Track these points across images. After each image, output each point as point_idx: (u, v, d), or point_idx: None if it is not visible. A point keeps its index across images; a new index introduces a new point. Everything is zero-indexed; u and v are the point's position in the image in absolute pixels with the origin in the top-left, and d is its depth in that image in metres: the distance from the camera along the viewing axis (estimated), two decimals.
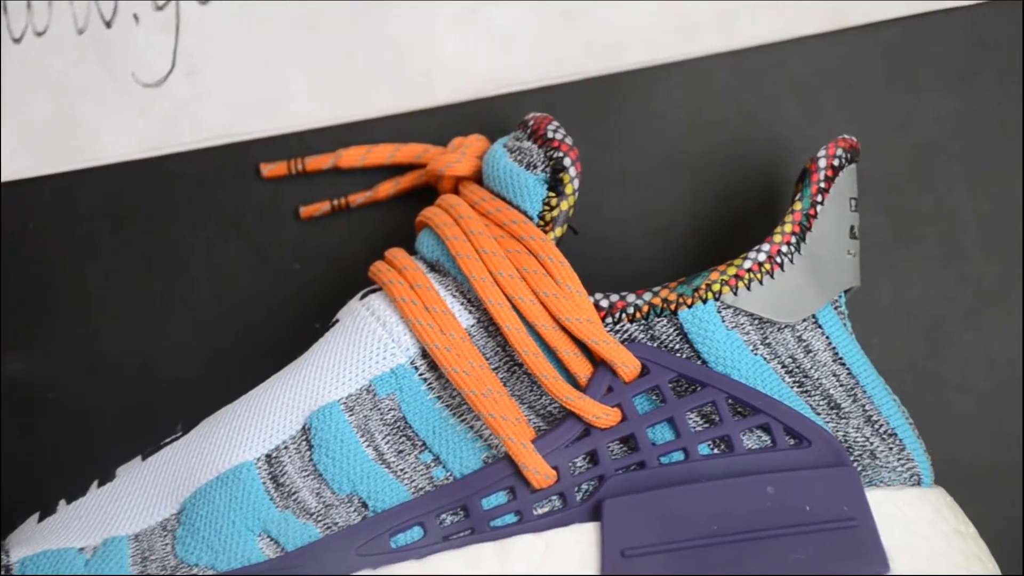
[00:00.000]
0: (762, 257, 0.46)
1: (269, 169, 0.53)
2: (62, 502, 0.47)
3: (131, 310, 0.53)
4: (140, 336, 0.53)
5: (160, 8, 0.53)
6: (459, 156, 0.49)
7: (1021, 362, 0.53)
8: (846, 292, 0.48)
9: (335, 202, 0.53)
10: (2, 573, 0.44)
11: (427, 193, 0.53)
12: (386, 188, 0.53)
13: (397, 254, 0.48)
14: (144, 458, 0.47)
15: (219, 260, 0.54)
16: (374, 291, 0.48)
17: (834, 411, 0.46)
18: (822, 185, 0.47)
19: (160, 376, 0.53)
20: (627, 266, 0.53)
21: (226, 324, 0.53)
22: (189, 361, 0.53)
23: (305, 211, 0.53)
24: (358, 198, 0.53)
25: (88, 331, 0.53)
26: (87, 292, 0.53)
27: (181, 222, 0.54)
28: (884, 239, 0.53)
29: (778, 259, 0.46)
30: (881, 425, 0.46)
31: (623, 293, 0.46)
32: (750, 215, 0.53)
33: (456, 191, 0.50)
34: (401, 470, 0.45)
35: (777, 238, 0.46)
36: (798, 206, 0.47)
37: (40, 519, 0.46)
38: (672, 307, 0.46)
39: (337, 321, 0.48)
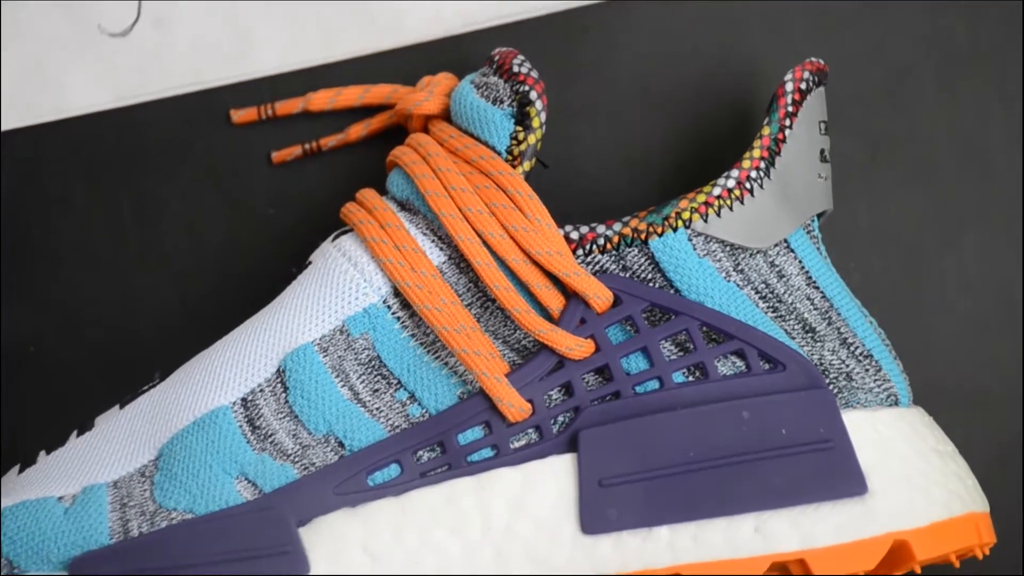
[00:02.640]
0: (731, 183, 0.46)
1: (239, 115, 0.53)
2: (42, 453, 0.47)
3: (106, 261, 0.53)
4: (116, 286, 0.53)
5: None
6: (427, 95, 0.49)
7: (999, 283, 0.53)
8: (819, 216, 0.48)
9: (307, 146, 0.53)
10: None
11: (398, 133, 0.52)
12: (357, 130, 0.53)
13: (367, 194, 0.48)
14: (122, 406, 0.47)
15: (193, 208, 0.53)
16: (346, 232, 0.48)
17: (809, 335, 0.46)
18: (790, 109, 0.47)
19: (137, 326, 0.53)
20: (600, 199, 0.53)
21: (202, 272, 0.53)
22: (166, 310, 0.53)
23: (277, 156, 0.53)
24: (330, 141, 0.53)
25: (64, 283, 0.53)
26: (61, 244, 0.53)
27: (153, 171, 0.53)
28: (859, 163, 0.53)
29: (747, 184, 0.46)
30: (856, 347, 0.46)
31: (593, 224, 0.46)
32: (723, 144, 0.53)
33: (426, 130, 0.49)
34: (377, 409, 0.45)
35: (746, 164, 0.46)
36: (766, 131, 0.46)
37: (20, 471, 0.47)
38: (643, 236, 0.46)
39: (310, 263, 0.48)
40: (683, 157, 0.53)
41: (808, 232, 0.47)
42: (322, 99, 0.52)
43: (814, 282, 0.46)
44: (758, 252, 0.46)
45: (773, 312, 0.46)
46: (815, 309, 0.46)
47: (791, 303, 0.46)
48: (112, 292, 0.53)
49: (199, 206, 0.53)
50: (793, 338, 0.46)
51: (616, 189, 0.53)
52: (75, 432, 0.47)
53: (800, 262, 0.46)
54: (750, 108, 0.53)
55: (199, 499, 0.44)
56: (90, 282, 0.53)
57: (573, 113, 0.53)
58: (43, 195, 0.53)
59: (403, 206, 0.47)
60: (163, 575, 0.43)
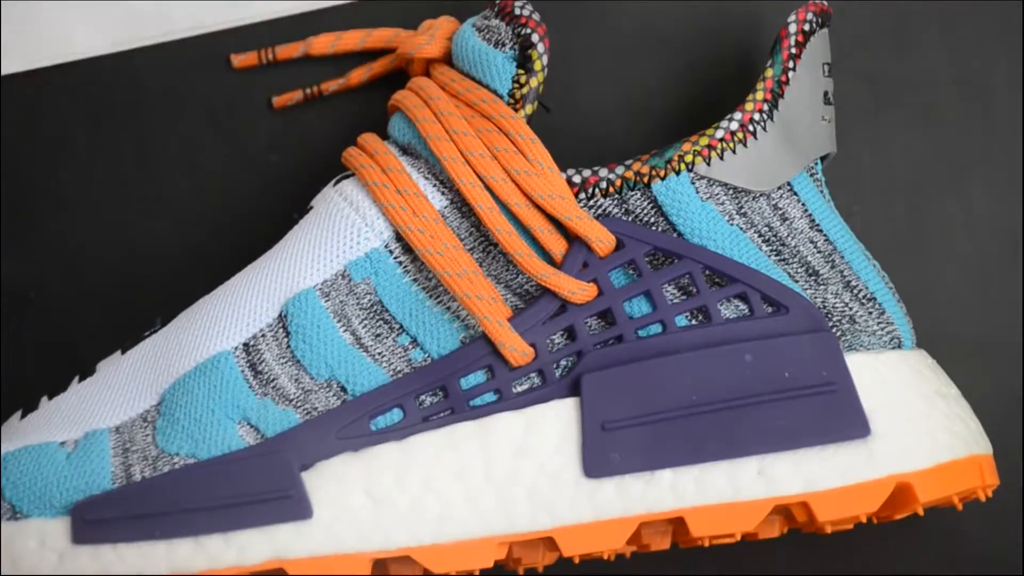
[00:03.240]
0: (734, 126, 0.46)
1: (240, 60, 0.53)
2: (44, 399, 0.47)
3: (108, 207, 0.53)
4: (118, 233, 0.53)
5: None
6: (428, 38, 0.49)
7: (1003, 227, 0.53)
8: (822, 159, 0.48)
9: (308, 91, 0.53)
10: None
11: (400, 78, 0.52)
12: (358, 74, 0.53)
13: (369, 139, 0.48)
14: (123, 352, 0.47)
15: (194, 153, 0.53)
16: (347, 177, 0.47)
17: (812, 278, 0.46)
18: (793, 51, 0.46)
19: (139, 272, 0.53)
20: (602, 144, 0.52)
21: (203, 218, 0.53)
22: (167, 256, 0.53)
23: (278, 101, 0.53)
24: (331, 85, 0.53)
25: (65, 229, 0.53)
26: (63, 190, 0.53)
27: (154, 117, 0.53)
28: (863, 106, 0.53)
29: (750, 127, 0.46)
30: (860, 290, 0.46)
31: (595, 168, 0.46)
32: (725, 87, 0.52)
33: (427, 74, 0.49)
34: (379, 353, 0.45)
35: (749, 106, 0.46)
36: (769, 73, 0.46)
37: (22, 417, 0.46)
38: (645, 180, 0.45)
39: (311, 208, 0.48)
40: (685, 101, 0.53)
41: (811, 175, 0.47)
42: (323, 43, 0.52)
43: (817, 225, 0.46)
44: (761, 195, 0.46)
45: (776, 255, 0.46)
46: (818, 252, 0.46)
47: (794, 246, 0.46)
48: (113, 237, 0.53)
49: (200, 151, 0.53)
50: (796, 281, 0.46)
51: (618, 133, 0.53)
52: (76, 378, 0.47)
53: (803, 205, 0.46)
54: (753, 51, 0.52)
55: (201, 444, 0.44)
56: (91, 227, 0.53)
57: (574, 56, 0.52)
58: (43, 140, 0.53)
59: (405, 150, 0.47)
60: (167, 518, 0.43)
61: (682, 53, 0.53)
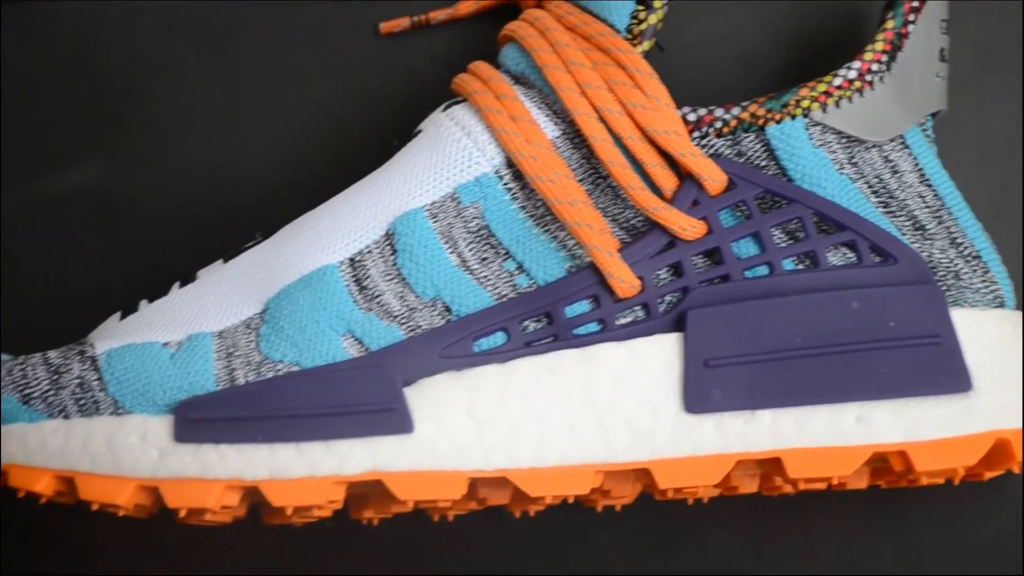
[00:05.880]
0: (852, 74, 0.46)
1: None
2: (143, 302, 0.47)
3: (205, 124, 0.53)
4: (215, 150, 0.53)
5: None
6: None
7: None
8: (933, 116, 0.48)
9: (415, 18, 0.53)
10: (86, 365, 0.45)
11: (508, 12, 0.52)
12: (467, 6, 0.53)
13: (481, 66, 0.48)
14: (225, 261, 0.47)
15: (294, 74, 0.53)
16: (457, 103, 0.47)
17: (919, 232, 0.46)
18: (915, 4, 0.46)
19: (234, 190, 0.53)
20: (706, 89, 0.52)
21: (298, 139, 0.53)
22: (263, 176, 0.53)
23: (385, 26, 0.53)
24: (439, 15, 0.53)
25: (163, 144, 0.53)
26: (159, 104, 0.53)
27: (255, 35, 0.53)
28: (968, 70, 0.53)
29: (868, 77, 0.46)
30: (966, 247, 0.46)
31: (711, 107, 0.46)
32: (832, 40, 0.52)
33: (539, 6, 0.49)
34: (484, 277, 0.45)
35: (868, 56, 0.46)
36: (890, 24, 0.46)
37: (122, 318, 0.47)
38: (760, 122, 0.46)
39: (420, 132, 0.48)
40: (792, 51, 0.53)
41: (923, 130, 0.47)
42: None
43: (927, 180, 0.46)
44: (873, 146, 0.46)
45: (884, 207, 0.46)
46: (926, 207, 0.46)
47: (902, 199, 0.46)
48: (211, 156, 0.53)
49: (301, 72, 0.53)
50: (903, 234, 0.46)
51: (723, 80, 0.53)
52: (177, 283, 0.47)
53: (915, 159, 0.46)
54: (864, 6, 0.52)
55: (305, 352, 0.44)
56: (186, 143, 0.53)
57: (683, 3, 0.52)
58: (143, 54, 0.53)
59: (517, 80, 0.47)
60: (270, 423, 0.43)
61: (789, 2, 0.53)
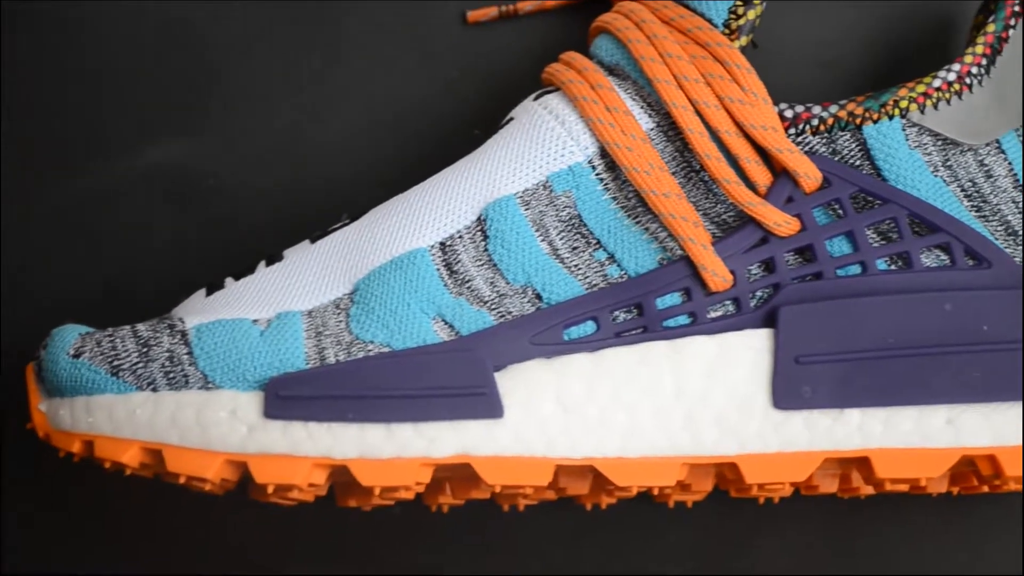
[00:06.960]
0: (952, 77, 0.46)
1: None
2: (229, 279, 0.47)
3: (284, 108, 0.53)
4: (293, 132, 0.53)
5: None
6: None
7: None
8: None
9: (503, 8, 0.53)
10: (176, 339, 0.44)
11: (598, 5, 0.52)
12: None
13: (575, 56, 0.47)
14: (313, 241, 0.47)
15: (377, 59, 0.53)
16: (548, 92, 0.47)
17: (1011, 237, 0.46)
18: (1016, 8, 0.46)
19: (312, 173, 0.53)
20: (792, 93, 0.52)
21: (383, 126, 0.53)
22: (343, 160, 0.53)
23: (472, 15, 0.53)
24: (527, 5, 0.53)
25: (243, 124, 0.53)
26: (239, 85, 0.53)
27: (342, 23, 0.53)
28: None
29: (967, 80, 0.46)
30: None
31: (808, 104, 0.46)
32: (921, 45, 0.52)
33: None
34: (575, 266, 0.45)
35: (968, 59, 0.46)
36: (991, 28, 0.46)
37: (208, 294, 0.46)
38: (857, 121, 0.45)
39: (511, 120, 0.48)
40: (881, 56, 0.52)
41: (1019, 135, 0.47)
42: None
43: (1021, 185, 0.46)
44: (969, 149, 0.46)
45: (977, 212, 0.46)
46: (1020, 213, 0.46)
47: (996, 204, 0.46)
48: (287, 141, 0.53)
49: (384, 58, 0.53)
50: (996, 239, 0.45)
51: (809, 85, 0.53)
52: (263, 262, 0.47)
53: (1010, 164, 0.46)
54: (950, 10, 0.52)
55: (396, 334, 0.44)
56: (267, 127, 0.53)
57: (771, 5, 0.52)
58: (228, 32, 0.53)
59: (611, 71, 0.47)
60: (360, 402, 0.43)
61: (878, 7, 0.52)
